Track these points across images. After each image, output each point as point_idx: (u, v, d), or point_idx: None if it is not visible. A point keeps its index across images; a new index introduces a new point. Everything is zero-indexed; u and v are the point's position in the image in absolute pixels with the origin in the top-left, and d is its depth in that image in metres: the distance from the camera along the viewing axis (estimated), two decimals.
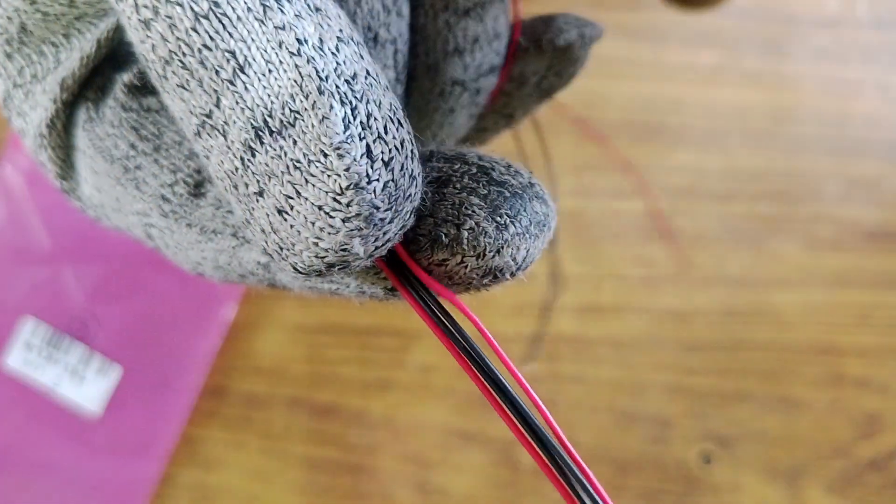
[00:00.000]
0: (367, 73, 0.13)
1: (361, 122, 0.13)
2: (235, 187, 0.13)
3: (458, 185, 0.15)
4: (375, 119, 0.13)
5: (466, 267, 0.14)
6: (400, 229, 0.14)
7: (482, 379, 0.14)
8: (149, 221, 0.17)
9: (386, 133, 0.13)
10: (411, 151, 0.13)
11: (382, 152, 0.13)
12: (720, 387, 0.42)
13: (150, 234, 0.17)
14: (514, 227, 0.14)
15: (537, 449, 0.14)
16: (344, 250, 0.13)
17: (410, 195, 0.13)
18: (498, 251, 0.14)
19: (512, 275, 0.15)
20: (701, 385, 0.42)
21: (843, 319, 0.42)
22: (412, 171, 0.13)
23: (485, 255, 0.14)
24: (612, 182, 0.42)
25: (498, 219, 0.14)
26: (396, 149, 0.13)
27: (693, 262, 0.42)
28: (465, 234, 0.14)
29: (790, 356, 0.42)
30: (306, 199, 0.13)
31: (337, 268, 0.13)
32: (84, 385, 0.38)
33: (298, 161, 0.13)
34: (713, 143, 0.42)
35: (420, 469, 0.41)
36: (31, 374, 0.38)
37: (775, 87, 0.44)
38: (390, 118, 0.13)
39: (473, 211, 0.14)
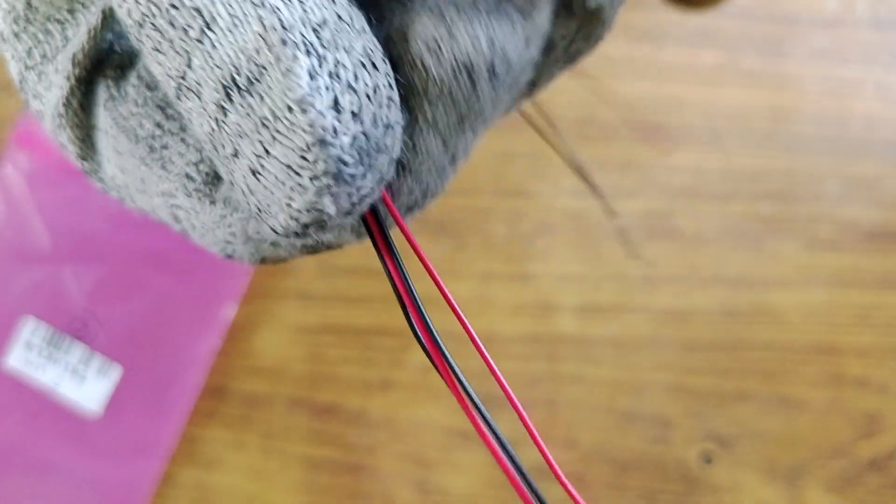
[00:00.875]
0: (339, 17, 0.12)
1: (329, 72, 0.12)
2: (215, 149, 0.13)
3: None
4: (345, 67, 0.12)
5: None
6: (377, 183, 0.13)
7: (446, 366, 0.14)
8: (175, 202, 0.16)
9: (356, 81, 0.12)
10: (388, 98, 0.13)
11: (351, 102, 0.12)
12: (720, 387, 0.42)
13: (177, 215, 0.17)
14: None
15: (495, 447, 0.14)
16: (317, 210, 0.12)
17: (385, 146, 0.13)
18: None
19: None
20: (701, 385, 0.42)
21: (843, 319, 0.42)
22: (387, 119, 0.13)
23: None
24: (612, 182, 0.42)
25: None
26: (368, 97, 0.12)
27: (693, 263, 0.42)
28: None
29: (790, 356, 0.42)
30: (276, 158, 0.12)
31: (312, 228, 0.13)
32: (84, 385, 0.38)
33: (266, 118, 0.12)
34: (713, 143, 0.42)
35: (420, 469, 0.41)
36: (32, 374, 0.38)
37: (775, 87, 0.44)
38: (361, 63, 0.12)
39: None
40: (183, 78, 0.13)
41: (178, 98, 0.13)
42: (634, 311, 0.42)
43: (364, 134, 0.12)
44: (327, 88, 0.12)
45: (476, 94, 0.15)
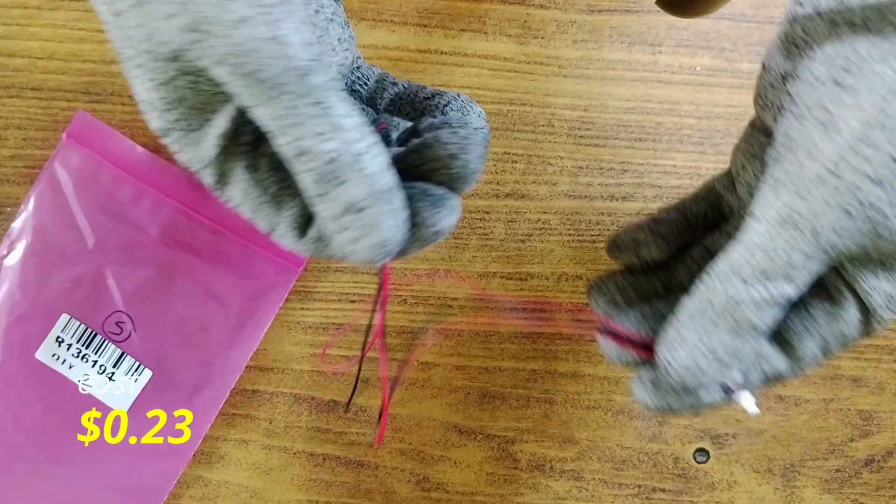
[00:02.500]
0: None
1: (397, 226, 0.24)
2: (327, 228, 0.24)
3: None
4: (399, 227, 0.24)
5: None
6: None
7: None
8: (279, 231, 0.26)
9: (399, 231, 0.24)
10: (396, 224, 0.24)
11: (395, 250, 0.25)
12: None
13: (277, 231, 0.26)
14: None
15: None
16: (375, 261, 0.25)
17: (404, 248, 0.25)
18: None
19: None
20: None
21: None
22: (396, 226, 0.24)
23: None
24: (609, 183, 0.42)
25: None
26: (401, 237, 0.24)
27: None
28: None
29: None
30: (361, 248, 0.24)
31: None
32: (112, 386, 0.39)
33: (361, 238, 0.24)
34: (708, 145, 0.42)
35: (420, 465, 0.42)
36: (61, 370, 0.39)
37: None
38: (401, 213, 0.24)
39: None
40: (320, 196, 0.23)
41: (314, 204, 0.24)
42: None
43: (403, 251, 0.25)
44: (396, 228, 0.24)
45: None
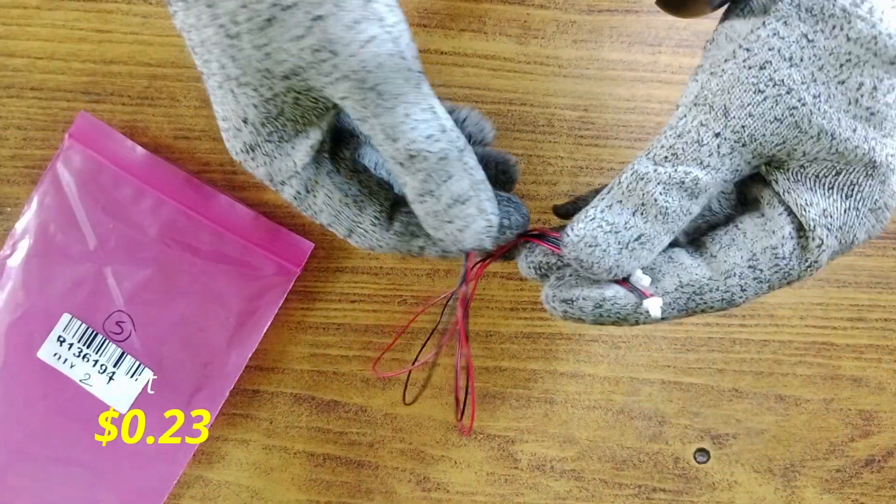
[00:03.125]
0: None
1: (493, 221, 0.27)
2: (428, 224, 0.26)
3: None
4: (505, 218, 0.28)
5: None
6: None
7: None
8: (361, 227, 0.27)
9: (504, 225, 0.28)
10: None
11: (498, 237, 0.28)
12: (716, 385, 0.42)
13: (353, 230, 0.27)
14: None
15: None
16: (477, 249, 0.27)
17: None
18: None
19: None
20: (696, 384, 0.42)
21: (838, 319, 0.42)
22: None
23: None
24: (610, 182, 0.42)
25: None
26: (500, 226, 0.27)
27: None
28: None
29: (785, 355, 0.42)
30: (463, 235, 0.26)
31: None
32: (112, 385, 0.39)
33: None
34: None
35: (420, 465, 0.42)
36: (62, 369, 0.39)
37: None
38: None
39: None
40: (427, 196, 0.25)
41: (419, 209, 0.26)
42: None
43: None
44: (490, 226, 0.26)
45: None
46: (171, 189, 0.39)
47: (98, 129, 0.39)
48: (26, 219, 0.39)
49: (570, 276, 0.27)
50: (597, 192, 0.30)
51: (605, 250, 0.25)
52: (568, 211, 0.31)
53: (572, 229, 0.26)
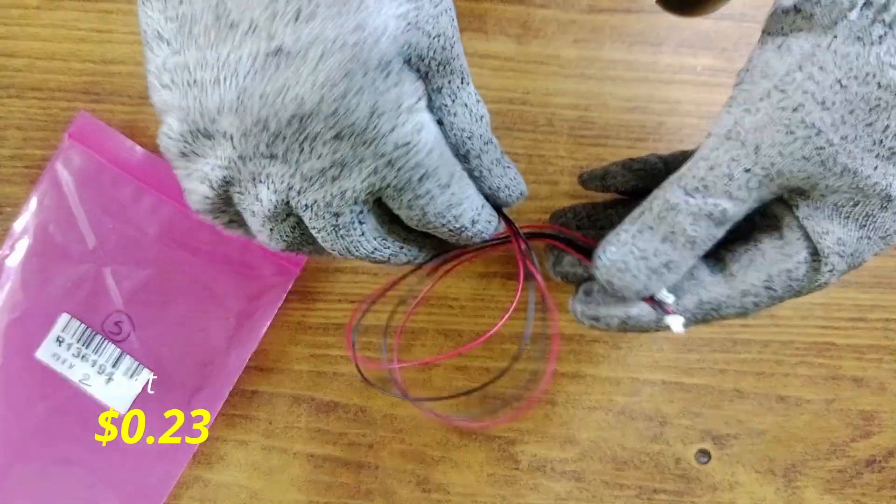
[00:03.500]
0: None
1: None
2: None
3: None
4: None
5: None
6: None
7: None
8: (380, 254, 0.28)
9: None
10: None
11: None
12: (717, 386, 0.42)
13: (376, 258, 0.28)
14: None
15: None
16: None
17: None
18: None
19: None
20: (698, 384, 0.42)
21: (840, 319, 0.42)
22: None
23: None
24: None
25: None
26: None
27: None
28: None
29: (786, 356, 0.42)
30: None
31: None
32: (111, 385, 0.39)
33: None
34: None
35: (421, 466, 0.42)
36: (61, 370, 0.39)
37: None
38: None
39: None
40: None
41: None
42: None
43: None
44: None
45: None
46: (170, 189, 0.39)
47: (98, 129, 0.39)
48: (25, 218, 0.39)
49: (598, 291, 0.29)
50: (623, 165, 0.32)
51: (635, 276, 0.27)
52: (596, 182, 0.33)
53: (605, 252, 0.27)
